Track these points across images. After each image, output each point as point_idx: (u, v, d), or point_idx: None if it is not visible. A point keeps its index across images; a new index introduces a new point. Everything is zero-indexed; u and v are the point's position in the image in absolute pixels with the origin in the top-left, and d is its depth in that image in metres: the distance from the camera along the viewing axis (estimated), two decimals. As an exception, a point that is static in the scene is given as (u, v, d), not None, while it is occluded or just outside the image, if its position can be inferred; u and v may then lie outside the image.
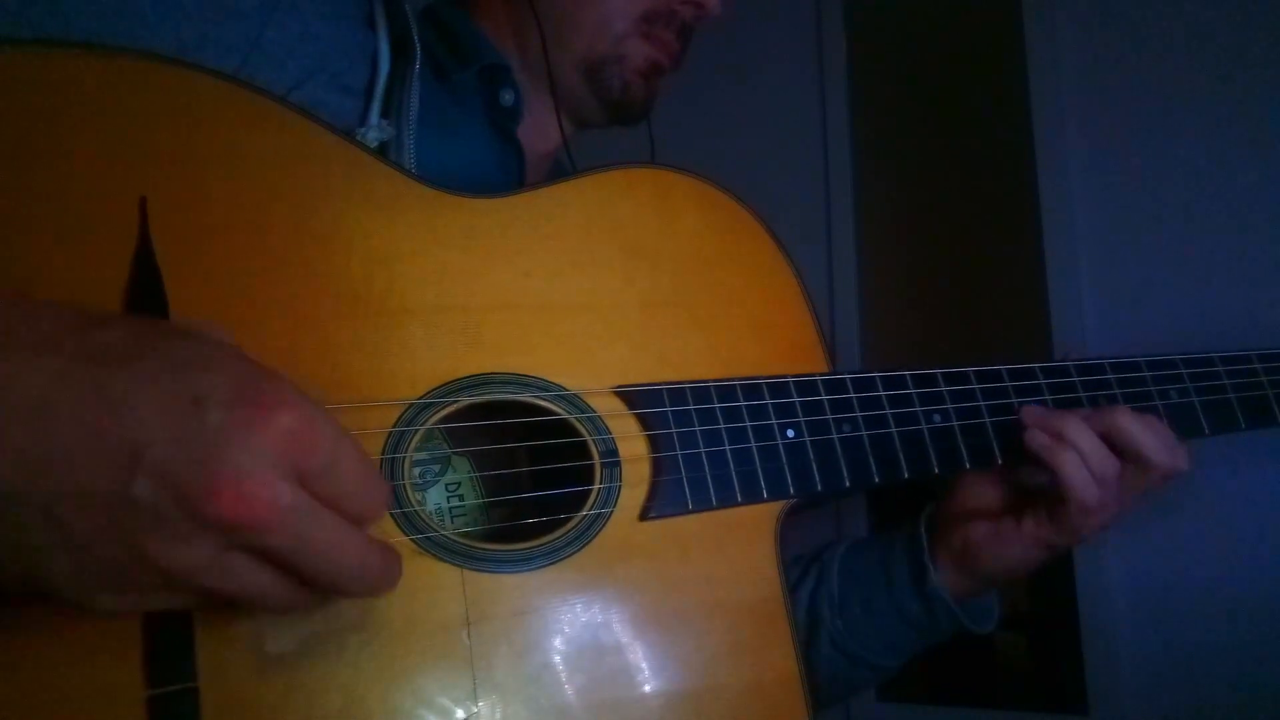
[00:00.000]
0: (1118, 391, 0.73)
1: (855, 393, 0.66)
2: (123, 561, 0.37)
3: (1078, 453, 0.67)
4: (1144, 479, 0.69)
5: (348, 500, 0.40)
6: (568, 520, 0.56)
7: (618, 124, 0.81)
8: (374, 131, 0.62)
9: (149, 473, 0.35)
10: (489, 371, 0.57)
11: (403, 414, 0.53)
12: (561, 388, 0.58)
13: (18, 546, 0.36)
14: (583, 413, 0.58)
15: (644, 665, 0.56)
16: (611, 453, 0.58)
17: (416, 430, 0.53)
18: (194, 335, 0.40)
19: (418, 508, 0.52)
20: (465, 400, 0.55)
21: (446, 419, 0.55)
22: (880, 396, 0.66)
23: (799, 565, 0.81)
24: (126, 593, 0.38)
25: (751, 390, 0.63)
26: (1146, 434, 0.68)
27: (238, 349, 0.41)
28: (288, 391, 0.38)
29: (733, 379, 0.63)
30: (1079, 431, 0.67)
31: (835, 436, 0.64)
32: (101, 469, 0.35)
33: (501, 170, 0.75)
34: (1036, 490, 0.71)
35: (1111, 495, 0.68)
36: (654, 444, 0.60)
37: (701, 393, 0.62)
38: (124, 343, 0.38)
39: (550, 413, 0.58)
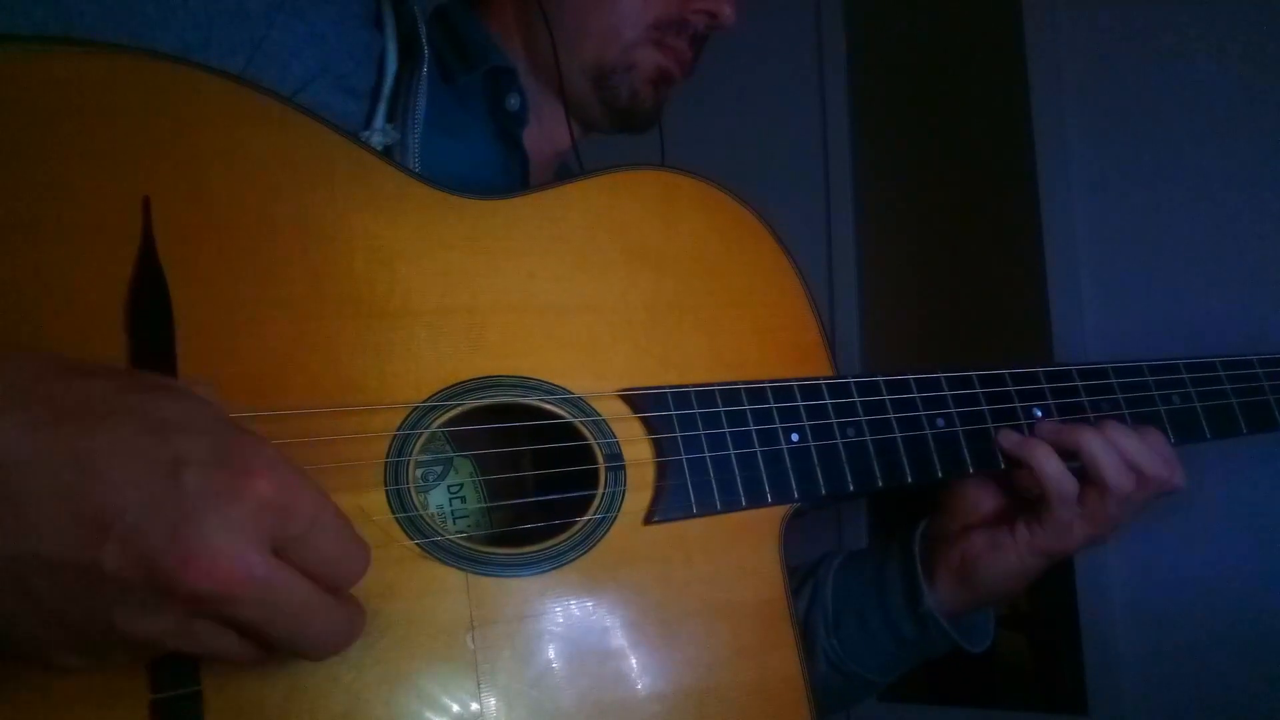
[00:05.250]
0: (1120, 396, 0.72)
1: (859, 396, 0.66)
2: (87, 628, 0.36)
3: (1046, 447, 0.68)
4: (1140, 492, 0.69)
5: (326, 566, 0.40)
6: (572, 524, 0.56)
7: (624, 131, 0.80)
8: (378, 135, 0.62)
9: (119, 542, 0.34)
10: (493, 374, 0.56)
11: (407, 417, 0.53)
12: (566, 391, 0.58)
13: None
14: (587, 416, 0.58)
15: (648, 668, 0.55)
16: (616, 456, 0.58)
17: (421, 434, 0.53)
18: (175, 391, 0.39)
19: (422, 512, 0.52)
20: (470, 403, 0.55)
21: (451, 422, 0.55)
22: (884, 400, 0.66)
23: (793, 579, 0.81)
24: (89, 655, 0.38)
25: (756, 394, 0.63)
26: (1143, 451, 0.68)
27: (220, 408, 0.40)
28: (268, 456, 0.37)
29: (737, 382, 0.63)
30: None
31: (839, 441, 0.64)
32: (70, 535, 0.34)
33: (505, 175, 0.74)
34: (1029, 497, 0.71)
35: (1099, 501, 0.68)
36: (658, 448, 0.59)
37: (706, 396, 0.61)
38: (101, 397, 0.36)
39: (555, 416, 0.57)
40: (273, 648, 0.40)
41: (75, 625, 0.36)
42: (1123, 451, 0.68)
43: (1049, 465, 0.67)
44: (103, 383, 0.37)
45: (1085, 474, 0.68)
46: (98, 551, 0.34)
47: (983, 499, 0.75)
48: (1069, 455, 0.68)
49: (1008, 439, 0.69)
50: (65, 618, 0.36)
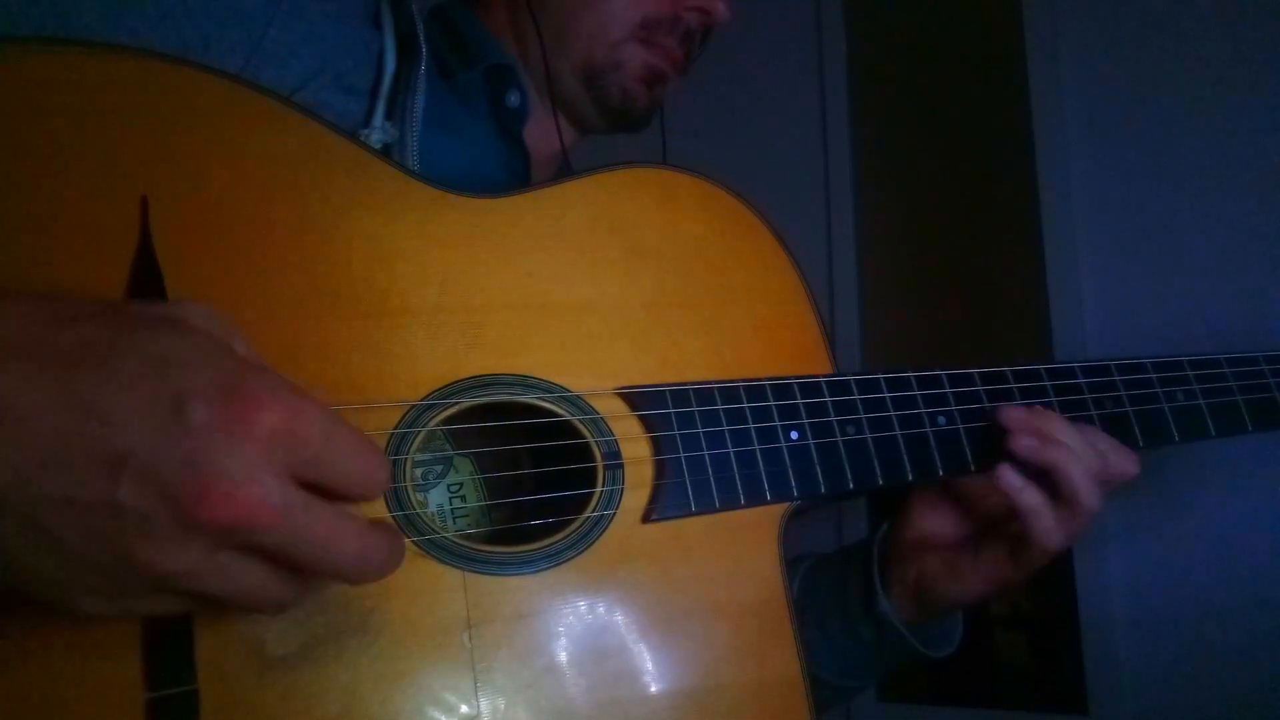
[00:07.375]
0: (1124, 393, 0.72)
1: (859, 394, 0.65)
2: (111, 567, 0.36)
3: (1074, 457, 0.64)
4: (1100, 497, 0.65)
5: (347, 484, 0.39)
6: (570, 522, 0.56)
7: (619, 131, 0.80)
8: (377, 133, 0.62)
9: (134, 479, 0.34)
10: (491, 372, 0.56)
11: (404, 416, 0.53)
12: (564, 389, 0.58)
13: (2, 551, 0.35)
14: (585, 414, 0.58)
15: (646, 667, 0.55)
16: (614, 454, 0.58)
17: (418, 433, 0.53)
18: (172, 325, 0.38)
19: (419, 510, 0.52)
20: (467, 402, 0.55)
21: (449, 420, 0.55)
22: (885, 398, 0.66)
23: None
24: (114, 598, 0.38)
25: (755, 391, 0.63)
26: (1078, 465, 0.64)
27: (219, 337, 0.39)
28: (272, 384, 0.37)
29: (736, 380, 0.63)
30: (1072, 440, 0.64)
31: (839, 439, 0.64)
32: (85, 476, 0.34)
33: (507, 171, 0.74)
34: (996, 522, 0.69)
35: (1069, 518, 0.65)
36: (657, 446, 0.59)
37: (705, 394, 0.61)
38: (98, 338, 0.36)
39: (553, 414, 0.57)
40: (309, 574, 0.40)
41: (100, 565, 0.36)
42: (1090, 460, 0.64)
43: (1028, 497, 0.64)
44: (96, 324, 0.37)
45: (1055, 490, 0.65)
46: (115, 488, 0.34)
47: (940, 516, 0.72)
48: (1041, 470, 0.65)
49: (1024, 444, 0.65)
50: (89, 558, 0.36)
